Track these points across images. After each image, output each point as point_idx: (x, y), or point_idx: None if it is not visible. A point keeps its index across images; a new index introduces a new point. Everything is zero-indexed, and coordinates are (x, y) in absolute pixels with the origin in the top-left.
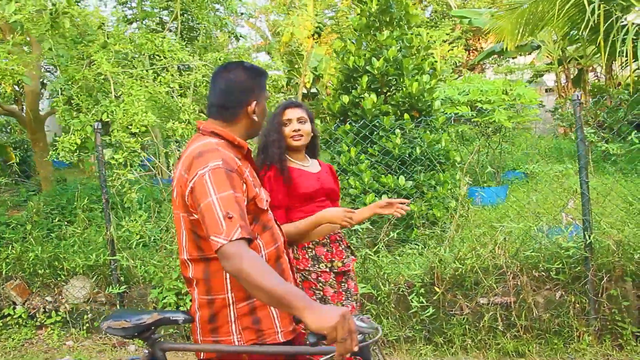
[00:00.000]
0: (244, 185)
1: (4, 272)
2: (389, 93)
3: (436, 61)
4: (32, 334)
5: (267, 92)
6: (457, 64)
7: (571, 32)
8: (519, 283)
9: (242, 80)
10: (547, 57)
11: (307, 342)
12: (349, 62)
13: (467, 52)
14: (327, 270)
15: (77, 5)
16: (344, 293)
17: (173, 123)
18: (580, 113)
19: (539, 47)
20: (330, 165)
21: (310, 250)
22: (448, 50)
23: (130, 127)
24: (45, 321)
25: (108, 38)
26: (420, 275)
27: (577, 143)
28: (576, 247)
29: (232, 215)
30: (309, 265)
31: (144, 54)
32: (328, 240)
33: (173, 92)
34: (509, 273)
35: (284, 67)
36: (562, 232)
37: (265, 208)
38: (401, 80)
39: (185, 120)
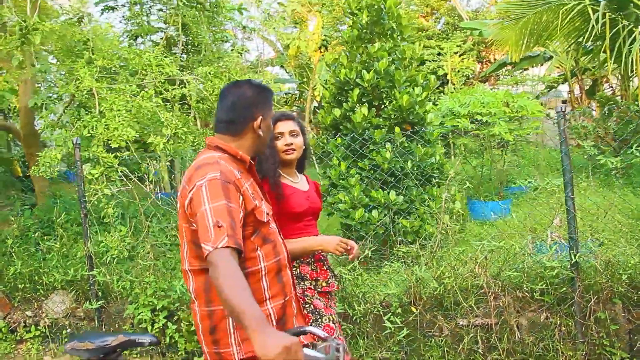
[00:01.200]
0: (241, 197)
1: None
2: (382, 106)
3: (446, 73)
4: (11, 348)
5: (273, 110)
6: (470, 76)
7: (582, 43)
8: (500, 304)
9: (248, 96)
10: (558, 68)
11: None
12: (340, 75)
13: (480, 63)
14: (312, 287)
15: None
16: (331, 309)
17: (155, 137)
18: (564, 126)
19: (551, 57)
20: (317, 183)
21: (294, 269)
22: (459, 62)
23: (109, 141)
24: (24, 335)
25: (93, 53)
26: (397, 295)
27: (561, 157)
28: (561, 267)
29: (221, 224)
30: None
31: (132, 68)
32: (312, 259)
33: (157, 106)
34: (490, 293)
35: (297, 81)
36: (548, 250)
37: (265, 220)
38: (392, 92)
39: (168, 135)
